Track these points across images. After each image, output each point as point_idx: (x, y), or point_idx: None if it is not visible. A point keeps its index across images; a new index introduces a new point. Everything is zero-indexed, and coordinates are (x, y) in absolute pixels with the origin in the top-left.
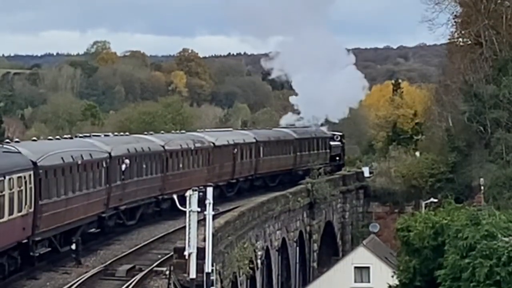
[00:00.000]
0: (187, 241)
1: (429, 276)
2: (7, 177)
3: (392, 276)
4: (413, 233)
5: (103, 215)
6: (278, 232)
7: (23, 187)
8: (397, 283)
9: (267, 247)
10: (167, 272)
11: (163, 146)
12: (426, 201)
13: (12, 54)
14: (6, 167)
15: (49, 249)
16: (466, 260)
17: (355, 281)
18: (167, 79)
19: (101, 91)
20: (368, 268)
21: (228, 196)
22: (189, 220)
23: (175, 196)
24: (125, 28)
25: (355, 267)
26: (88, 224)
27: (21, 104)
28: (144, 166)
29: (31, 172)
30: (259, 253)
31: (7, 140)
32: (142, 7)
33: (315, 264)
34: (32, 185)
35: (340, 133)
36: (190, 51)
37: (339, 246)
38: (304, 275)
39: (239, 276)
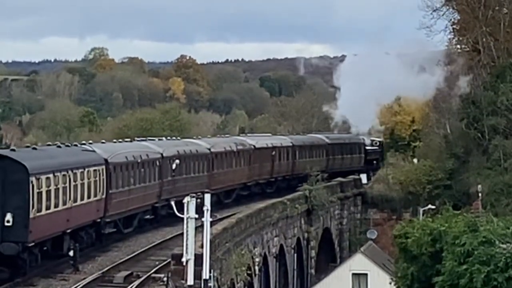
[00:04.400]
0: (184, 248)
1: (427, 282)
2: (86, 169)
3: (390, 283)
4: (411, 240)
5: (156, 205)
6: (275, 239)
7: (97, 178)
8: None
9: (265, 253)
10: (165, 279)
11: (209, 149)
12: (424, 208)
13: (10, 61)
14: (85, 161)
15: (115, 229)
16: (464, 267)
17: None
18: (165, 86)
19: (99, 98)
20: (365, 274)
21: (267, 192)
22: (187, 226)
23: (172, 202)
24: (124, 34)
25: (353, 274)
26: (144, 212)
27: (18, 111)
28: (192, 165)
29: (104, 167)
30: (257, 259)
31: (83, 142)
32: (141, 13)
33: (312, 271)
34: (104, 176)
35: (380, 140)
36: (188, 58)
37: (336, 252)
38: (301, 282)
39: (237, 283)
